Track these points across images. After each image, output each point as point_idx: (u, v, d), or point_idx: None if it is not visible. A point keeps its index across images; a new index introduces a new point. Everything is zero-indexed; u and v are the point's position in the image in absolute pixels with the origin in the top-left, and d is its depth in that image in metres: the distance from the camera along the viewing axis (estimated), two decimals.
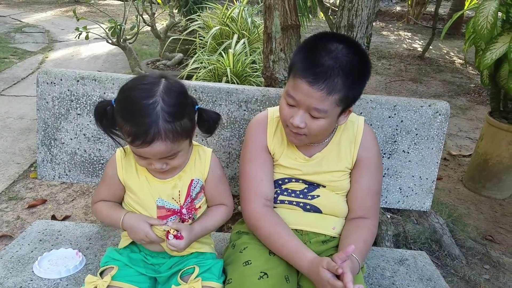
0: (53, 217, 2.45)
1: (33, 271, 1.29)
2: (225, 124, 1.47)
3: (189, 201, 1.18)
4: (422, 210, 1.51)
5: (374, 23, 9.59)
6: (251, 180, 1.23)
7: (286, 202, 1.25)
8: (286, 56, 1.96)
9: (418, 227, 2.17)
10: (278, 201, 1.26)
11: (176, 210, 1.17)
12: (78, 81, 1.47)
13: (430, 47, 6.84)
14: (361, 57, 1.08)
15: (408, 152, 1.45)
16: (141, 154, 1.02)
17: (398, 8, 11.03)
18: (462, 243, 2.32)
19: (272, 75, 2.00)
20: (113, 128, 1.07)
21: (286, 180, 1.26)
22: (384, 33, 8.88)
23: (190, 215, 1.18)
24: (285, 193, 1.25)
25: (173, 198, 1.16)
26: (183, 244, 1.08)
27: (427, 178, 1.47)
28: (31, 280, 1.26)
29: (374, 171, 1.24)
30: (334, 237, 1.25)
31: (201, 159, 1.19)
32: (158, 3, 4.71)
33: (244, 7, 3.85)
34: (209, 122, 1.12)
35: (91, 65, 5.40)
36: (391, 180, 1.48)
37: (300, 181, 1.25)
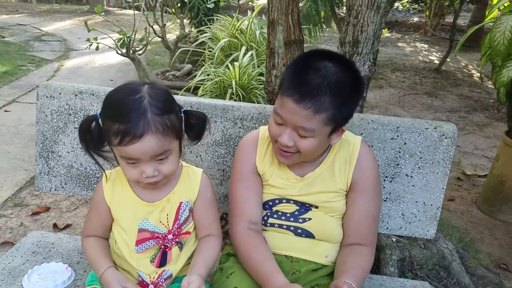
0: (55, 225, 2.46)
1: (21, 285, 1.28)
2: (220, 141, 1.44)
3: (177, 226, 1.13)
4: (425, 238, 1.44)
5: (389, 34, 9.55)
6: (237, 201, 1.20)
7: (276, 225, 1.20)
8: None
9: (425, 252, 2.09)
10: (268, 224, 1.21)
11: (161, 234, 1.12)
12: (76, 95, 1.46)
13: (447, 59, 6.70)
14: (352, 75, 1.04)
15: (411, 176, 1.39)
16: (131, 155, 0.97)
17: (415, 19, 10.88)
18: (473, 271, 2.20)
19: (274, 90, 1.97)
20: (97, 146, 1.03)
21: (277, 201, 1.21)
22: (400, 44, 8.77)
23: (176, 241, 1.14)
24: (275, 215, 1.21)
25: (161, 222, 1.12)
26: None
27: (431, 205, 1.40)
28: None
29: (371, 195, 1.19)
30: (325, 265, 1.20)
31: (191, 179, 1.15)
32: (172, 13, 4.75)
33: (254, 19, 3.85)
34: (198, 125, 1.09)
35: (104, 74, 5.46)
36: (393, 205, 1.42)
37: (292, 202, 1.20)
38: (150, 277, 1.13)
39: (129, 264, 1.14)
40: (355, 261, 1.13)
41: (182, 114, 1.08)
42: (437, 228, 1.42)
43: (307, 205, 1.20)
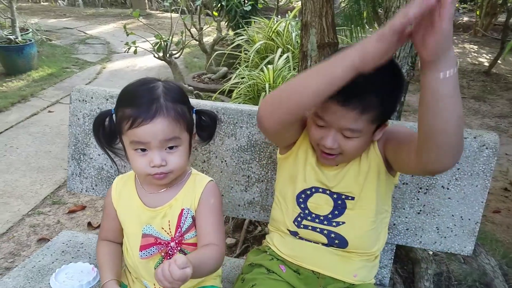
0: (89, 224, 2.53)
1: (49, 283, 1.32)
2: (246, 146, 1.41)
3: (179, 233, 1.10)
4: (462, 254, 1.35)
5: None
6: None
7: (310, 228, 1.16)
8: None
9: (464, 267, 1.96)
10: (302, 226, 1.17)
11: (164, 241, 1.11)
12: (107, 99, 1.48)
13: (498, 61, 6.32)
14: (393, 71, 1.01)
15: (448, 188, 1.30)
16: (142, 137, 0.97)
17: (465, 19, 10.37)
18: None
19: None
20: (109, 141, 1.08)
21: (309, 192, 1.16)
22: None
23: (179, 249, 1.12)
24: (309, 217, 1.16)
25: (163, 229, 1.10)
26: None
27: (469, 219, 1.31)
28: None
29: (397, 125, 1.17)
30: (353, 284, 1.14)
31: (195, 186, 1.11)
32: (211, 16, 4.79)
33: (291, 21, 3.80)
34: (209, 124, 1.13)
35: (143, 76, 5.56)
36: (427, 218, 1.33)
37: (327, 193, 1.14)
38: (155, 286, 1.13)
39: (137, 270, 1.14)
40: None
41: (194, 114, 1.10)
42: (479, 242, 1.33)
43: (343, 196, 1.14)
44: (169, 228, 1.10)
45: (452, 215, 1.31)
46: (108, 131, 1.07)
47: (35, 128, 3.87)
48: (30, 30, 5.88)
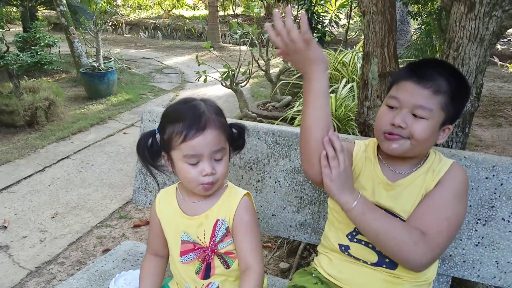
0: None
1: (108, 287, 1.40)
2: (299, 168, 1.44)
3: (213, 243, 1.15)
4: None
5: None
6: None
7: (363, 243, 1.15)
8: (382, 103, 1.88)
9: None
10: (355, 240, 1.16)
11: (202, 247, 1.16)
12: None
13: None
14: (463, 80, 1.10)
15: (508, 221, 1.23)
16: (196, 148, 1.04)
17: None
18: None
19: (366, 121, 1.92)
20: (154, 159, 1.15)
21: None
22: None
23: (216, 254, 1.16)
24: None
25: (198, 237, 1.15)
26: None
27: None
28: None
29: (450, 194, 1.07)
30: None
31: (231, 199, 1.16)
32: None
33: (357, 52, 3.82)
34: (239, 134, 1.19)
35: None
36: (486, 251, 1.26)
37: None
38: None
39: (178, 276, 1.21)
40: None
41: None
42: None
43: (396, 215, 1.12)
44: (204, 237, 1.15)
45: None
46: (153, 149, 1.13)
47: (110, 148, 4.19)
48: (112, 59, 6.46)
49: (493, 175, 1.24)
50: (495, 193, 1.24)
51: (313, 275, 1.25)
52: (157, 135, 1.13)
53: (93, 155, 4.02)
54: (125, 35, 13.82)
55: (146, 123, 1.67)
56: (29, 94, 4.60)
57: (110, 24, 12.95)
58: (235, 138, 1.18)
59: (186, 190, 1.18)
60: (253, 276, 1.09)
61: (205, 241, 1.15)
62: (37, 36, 4.58)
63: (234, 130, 1.18)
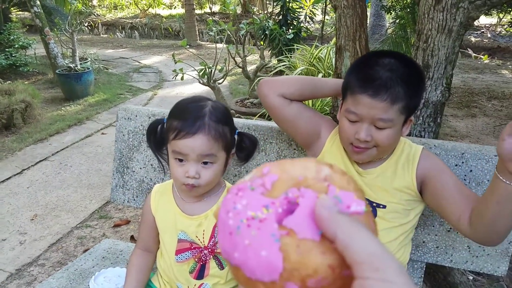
0: (132, 237, 2.64)
1: (88, 285, 1.40)
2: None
3: (212, 243, 1.15)
4: (495, 274, 1.30)
5: (488, 61, 8.85)
6: None
7: None
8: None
9: None
10: None
11: (198, 247, 1.16)
12: (149, 117, 1.60)
13: None
14: (415, 67, 1.10)
15: None
16: (182, 149, 1.05)
17: None
18: None
19: None
20: (158, 147, 1.16)
21: None
22: (502, 71, 8.10)
23: (213, 255, 1.17)
24: None
25: (197, 237, 1.15)
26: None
27: None
28: None
29: (449, 172, 1.13)
30: None
31: None
32: (259, 45, 4.95)
33: (333, 47, 3.87)
34: (249, 147, 1.17)
35: None
36: (458, 237, 1.31)
37: None
38: None
39: (170, 274, 1.20)
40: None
41: (236, 136, 1.15)
42: None
43: (374, 204, 1.16)
44: (203, 237, 1.15)
45: None
46: (158, 137, 1.17)
47: (88, 148, 4.13)
48: (89, 59, 6.36)
49: (463, 162, 1.28)
50: (465, 179, 1.28)
51: None
52: (165, 125, 1.15)
53: (72, 156, 3.96)
54: (101, 35, 13.61)
55: (121, 121, 1.66)
56: (5, 97, 4.49)
57: (86, 24, 12.74)
58: (242, 149, 1.17)
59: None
60: None
61: (203, 241, 1.15)
62: (11, 38, 4.48)
63: (244, 140, 1.16)
